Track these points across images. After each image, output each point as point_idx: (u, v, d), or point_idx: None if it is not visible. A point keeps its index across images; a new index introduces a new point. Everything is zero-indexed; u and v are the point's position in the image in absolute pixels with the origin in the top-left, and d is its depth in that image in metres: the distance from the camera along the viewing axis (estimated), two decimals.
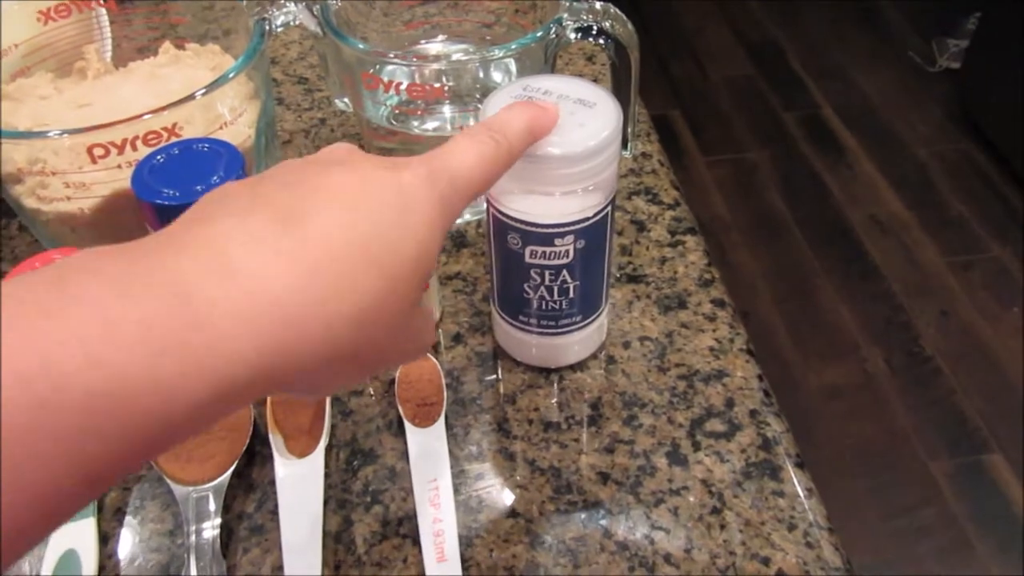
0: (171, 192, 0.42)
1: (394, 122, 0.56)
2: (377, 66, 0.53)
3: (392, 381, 0.47)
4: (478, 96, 0.57)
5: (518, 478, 0.43)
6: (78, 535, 0.40)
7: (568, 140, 0.38)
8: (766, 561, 0.40)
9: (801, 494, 0.42)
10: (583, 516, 0.42)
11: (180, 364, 0.21)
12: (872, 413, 1.51)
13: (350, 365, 0.26)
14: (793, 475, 0.43)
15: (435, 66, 0.52)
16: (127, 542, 0.41)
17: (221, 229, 0.24)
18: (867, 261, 1.78)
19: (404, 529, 0.41)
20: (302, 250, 0.24)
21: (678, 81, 2.28)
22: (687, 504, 0.42)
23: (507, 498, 0.42)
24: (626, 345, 0.49)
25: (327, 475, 0.43)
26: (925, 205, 1.89)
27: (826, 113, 2.16)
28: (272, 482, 0.43)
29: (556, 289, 0.44)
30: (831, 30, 2.44)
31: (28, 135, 0.47)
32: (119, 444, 0.20)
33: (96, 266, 0.22)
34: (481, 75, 0.56)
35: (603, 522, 0.41)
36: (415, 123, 0.56)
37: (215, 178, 0.42)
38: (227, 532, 0.41)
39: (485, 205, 0.53)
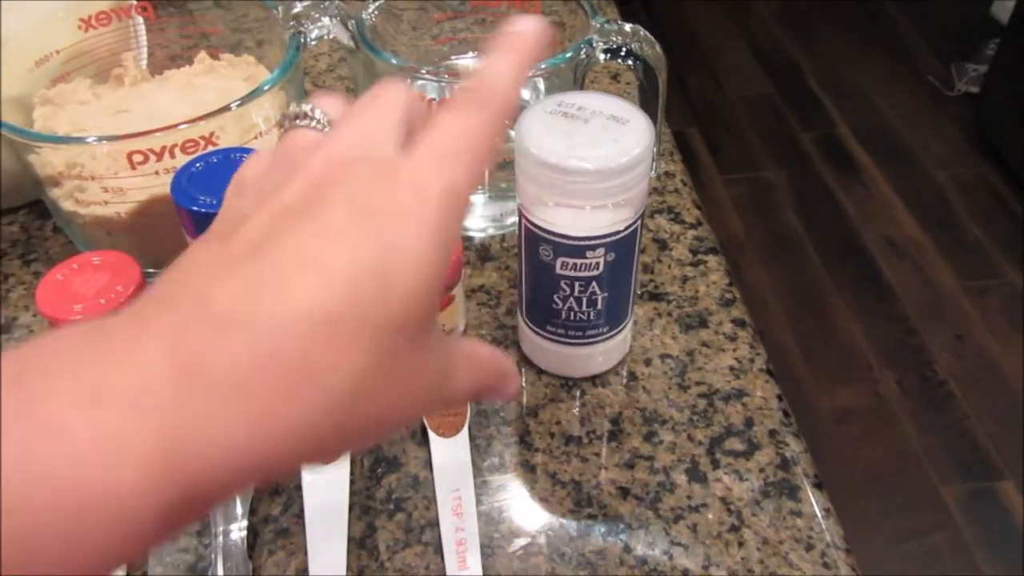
0: (208, 200, 0.43)
1: None
2: (409, 81, 0.54)
3: None
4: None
5: (539, 490, 0.44)
6: None
7: (602, 155, 0.39)
8: None
9: (819, 514, 0.43)
10: (603, 530, 0.42)
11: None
12: (884, 436, 1.51)
13: (353, 435, 0.23)
14: (811, 495, 0.43)
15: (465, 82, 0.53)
16: None
17: (182, 320, 0.22)
18: (882, 283, 1.78)
19: (427, 537, 0.42)
20: (264, 340, 0.21)
21: (695, 99, 2.29)
22: (706, 521, 0.42)
23: (528, 510, 0.43)
24: (647, 362, 0.50)
25: (351, 481, 0.44)
26: (941, 228, 1.89)
27: (843, 133, 2.17)
28: (297, 487, 0.44)
29: (585, 300, 0.44)
30: (850, 51, 2.44)
31: (70, 140, 0.49)
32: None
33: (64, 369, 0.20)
34: None
35: (623, 536, 0.42)
36: None
37: None
38: (252, 534, 0.42)
39: (514, 219, 0.54)
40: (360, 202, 0.24)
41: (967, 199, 1.96)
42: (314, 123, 0.28)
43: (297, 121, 0.28)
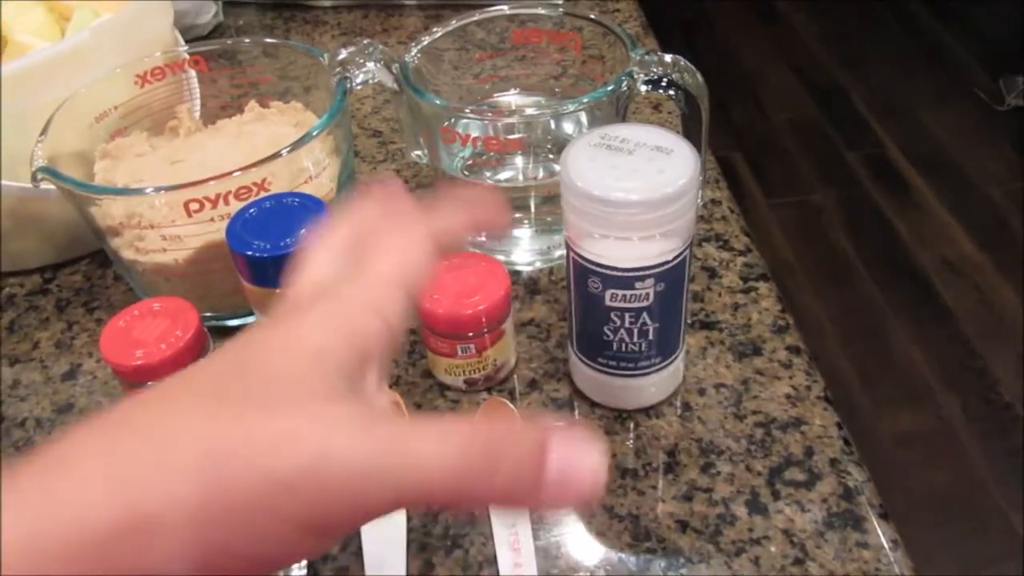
0: (262, 244, 0.44)
1: (467, 173, 0.58)
2: (453, 120, 0.55)
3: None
4: (548, 147, 0.58)
5: (596, 525, 0.44)
6: None
7: (647, 186, 0.39)
8: None
9: (886, 546, 0.41)
10: (663, 564, 0.42)
11: None
12: (948, 461, 1.46)
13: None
14: (877, 526, 0.42)
15: (510, 120, 0.53)
16: None
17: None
18: (939, 304, 1.73)
19: (485, 573, 0.42)
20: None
21: (739, 123, 2.27)
22: (768, 554, 0.41)
23: (586, 545, 0.43)
24: (701, 392, 0.49)
25: (408, 518, 0.44)
26: (999, 246, 1.84)
27: (892, 153, 2.14)
28: None
29: (636, 331, 0.44)
30: (894, 68, 2.42)
31: (128, 191, 0.50)
32: None
33: None
34: (552, 126, 0.57)
35: (683, 571, 0.41)
36: (487, 173, 0.58)
37: (302, 231, 0.44)
38: (312, 571, 0.42)
39: (561, 252, 0.54)
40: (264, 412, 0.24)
41: (1023, 214, 1.91)
42: None
43: None
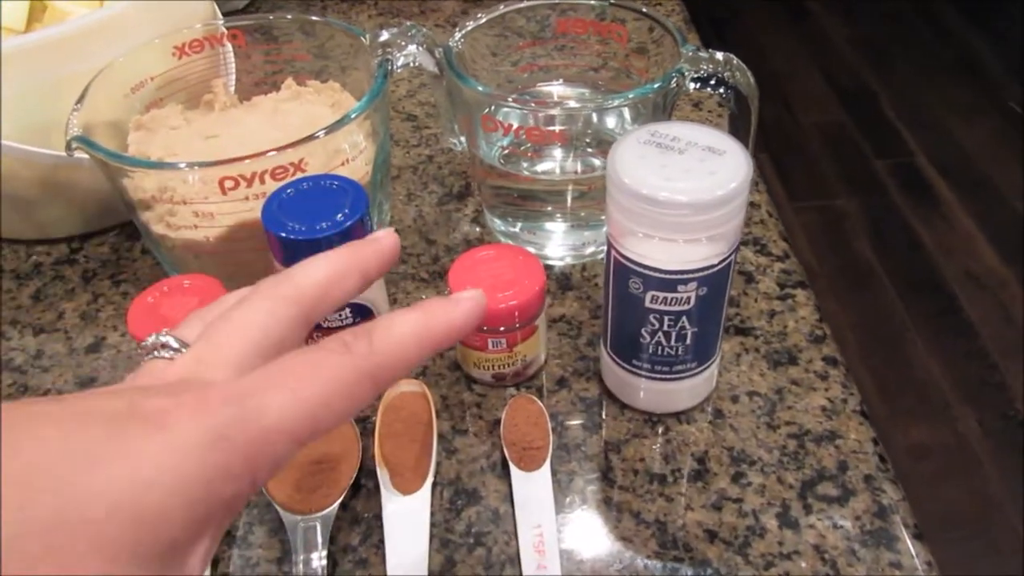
0: (297, 226, 0.43)
1: (503, 162, 0.57)
2: (494, 108, 0.54)
3: (497, 422, 0.47)
4: (588, 140, 0.57)
5: (623, 530, 0.43)
6: None
7: (697, 187, 0.38)
8: None
9: (919, 568, 0.40)
10: (690, 574, 0.41)
11: None
12: (963, 476, 1.45)
13: None
14: (911, 547, 0.41)
15: (553, 111, 0.52)
16: (237, 566, 0.42)
17: None
18: (961, 317, 1.71)
19: (508, 573, 0.41)
20: None
21: (765, 125, 2.25)
22: (799, 570, 0.41)
23: (612, 549, 0.42)
24: (734, 399, 0.48)
25: (431, 513, 0.43)
26: (1023, 261, 1.82)
27: (920, 162, 2.11)
28: (377, 516, 0.43)
29: (674, 335, 0.43)
30: (926, 77, 2.39)
31: (163, 165, 0.49)
32: None
33: None
34: (594, 120, 0.56)
35: None
36: (524, 164, 0.57)
37: (339, 216, 0.43)
38: (332, 563, 0.42)
39: (593, 248, 0.53)
40: (125, 411, 0.21)
41: None
42: (169, 353, 0.27)
43: (155, 352, 0.27)
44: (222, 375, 0.24)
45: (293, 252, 0.44)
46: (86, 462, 0.20)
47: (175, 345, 0.27)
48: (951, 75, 2.38)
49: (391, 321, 0.26)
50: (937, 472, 1.45)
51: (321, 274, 0.28)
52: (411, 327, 0.26)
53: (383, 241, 0.30)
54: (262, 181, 0.47)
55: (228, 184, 0.47)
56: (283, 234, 0.43)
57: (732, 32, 2.58)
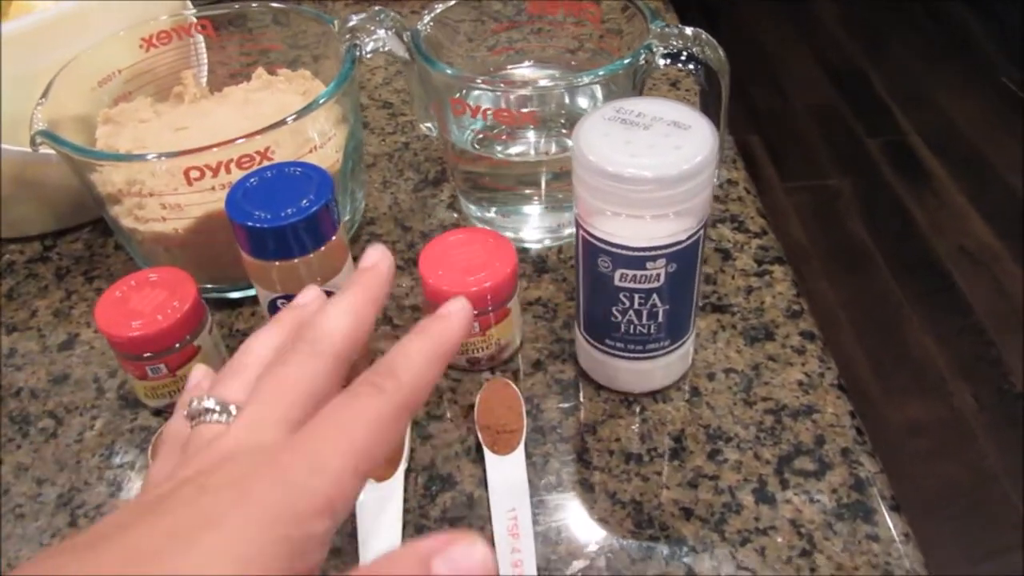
0: (262, 215, 0.43)
1: (477, 146, 0.57)
2: (464, 91, 0.53)
3: (471, 406, 0.47)
4: (562, 121, 0.56)
5: (598, 510, 0.42)
6: None
7: (663, 163, 0.38)
8: None
9: (897, 539, 0.40)
10: (665, 552, 0.40)
11: None
12: (959, 452, 1.45)
13: None
14: (888, 519, 0.41)
15: (523, 92, 0.52)
16: None
17: None
18: (955, 293, 1.71)
19: None
20: None
21: (757, 106, 2.24)
22: (775, 545, 0.40)
23: (587, 531, 0.42)
24: (711, 377, 0.48)
25: (404, 499, 0.43)
26: (1017, 235, 1.82)
27: (912, 140, 2.10)
28: None
29: (645, 313, 0.43)
30: (917, 54, 2.38)
31: (128, 157, 0.49)
32: None
33: None
34: (567, 100, 0.56)
35: (686, 560, 0.40)
36: (499, 147, 0.56)
37: (304, 202, 0.43)
38: None
39: (571, 230, 0.53)
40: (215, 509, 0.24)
41: None
42: (216, 417, 0.29)
43: (202, 418, 0.29)
44: (273, 436, 0.27)
45: (259, 241, 0.43)
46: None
47: (219, 409, 0.29)
48: (943, 52, 2.37)
49: (406, 353, 0.29)
50: (933, 448, 1.45)
51: (349, 322, 0.30)
52: (425, 354, 0.29)
53: (381, 266, 0.33)
54: (228, 171, 0.47)
55: (194, 175, 0.47)
56: (249, 223, 0.43)
57: (724, 14, 2.57)
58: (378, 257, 0.33)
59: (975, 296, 1.70)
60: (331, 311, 0.31)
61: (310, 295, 0.35)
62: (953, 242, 1.82)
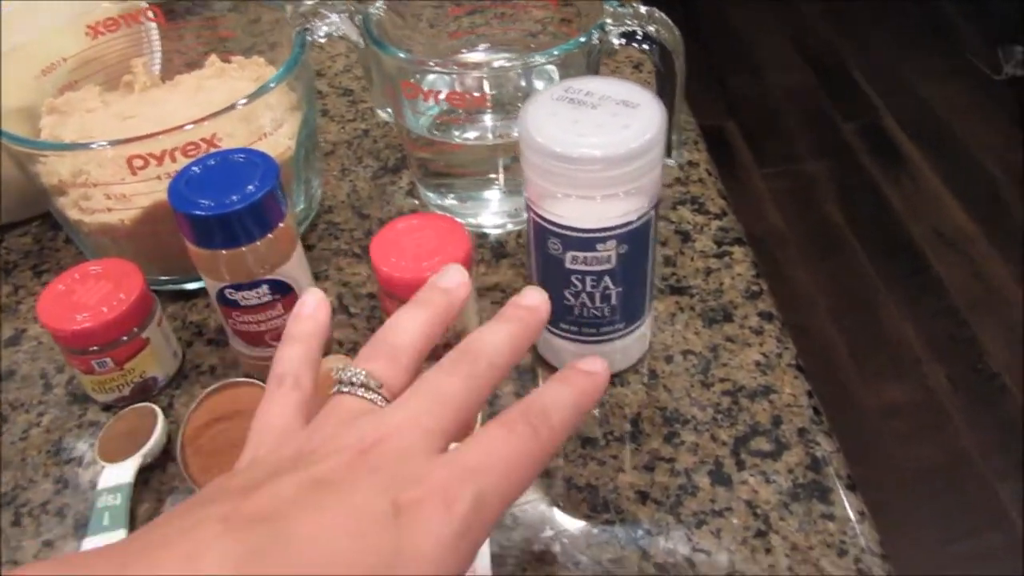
0: (206, 203, 0.42)
1: (436, 132, 0.56)
2: (418, 75, 0.53)
3: None
4: (519, 105, 0.56)
5: (554, 496, 0.42)
6: None
7: (610, 141, 0.37)
8: None
9: (852, 518, 0.40)
10: (621, 536, 0.40)
11: None
12: (934, 432, 1.45)
13: None
14: (844, 498, 0.41)
15: (476, 74, 0.51)
16: None
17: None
18: (930, 275, 1.72)
19: None
20: None
21: (734, 92, 2.24)
22: (730, 526, 0.40)
23: (542, 516, 0.41)
24: (668, 359, 0.48)
25: None
26: (991, 217, 1.82)
27: (887, 123, 2.11)
28: None
29: (598, 296, 0.42)
30: (892, 38, 2.38)
31: (68, 146, 0.48)
32: None
33: None
34: (523, 83, 0.55)
35: (642, 543, 0.40)
36: (456, 132, 0.56)
37: (250, 188, 0.42)
38: None
39: (526, 212, 0.52)
40: (386, 499, 0.25)
41: (1017, 186, 1.89)
42: (370, 396, 0.29)
43: (353, 389, 0.29)
44: (425, 445, 0.27)
45: (204, 229, 0.42)
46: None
47: (372, 385, 0.29)
48: (917, 36, 2.38)
49: (557, 401, 0.29)
50: (909, 429, 1.46)
51: (510, 354, 0.31)
52: (573, 409, 0.30)
53: (542, 310, 0.33)
54: (173, 159, 0.46)
55: (137, 163, 0.46)
56: (193, 212, 0.42)
57: (702, 1, 2.56)
58: (539, 301, 0.33)
59: (950, 278, 1.71)
60: (495, 336, 0.31)
61: (456, 278, 0.35)
62: (928, 225, 1.83)
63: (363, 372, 0.29)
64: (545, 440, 0.28)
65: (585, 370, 0.31)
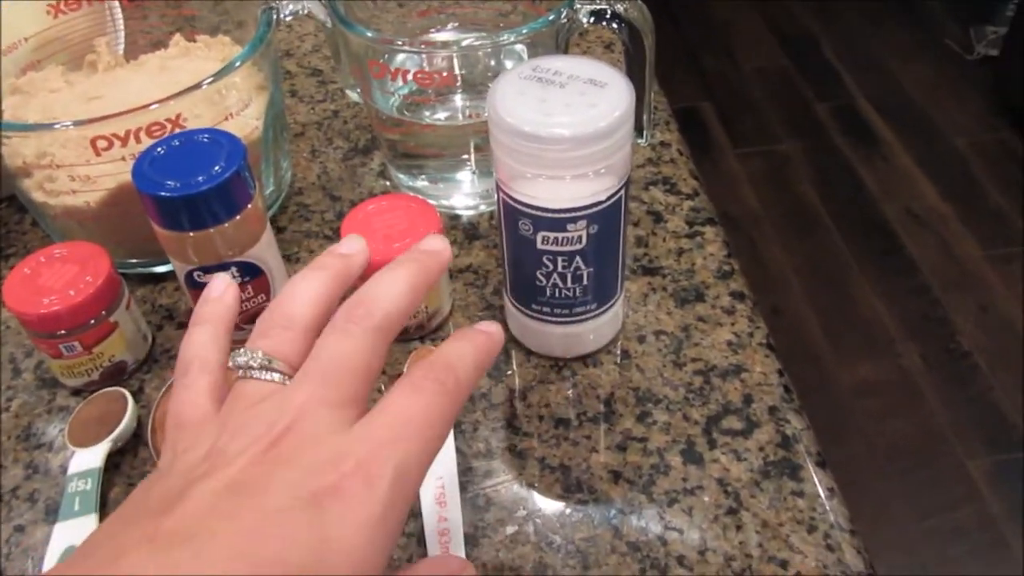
0: (173, 184, 0.41)
1: (405, 112, 0.55)
2: (386, 55, 0.52)
3: (398, 376, 0.46)
4: (489, 85, 0.55)
5: (527, 476, 0.42)
6: (79, 532, 0.40)
7: (579, 120, 0.37)
8: (784, 564, 0.38)
9: (822, 494, 0.40)
10: (594, 516, 0.40)
11: None
12: (907, 410, 1.47)
13: None
14: (814, 474, 0.41)
15: (444, 53, 0.51)
16: None
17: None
18: (903, 255, 1.73)
19: (409, 527, 0.40)
20: None
21: (709, 73, 2.24)
22: (702, 504, 0.40)
23: (515, 497, 0.41)
24: (641, 339, 0.48)
25: None
26: (963, 197, 1.84)
27: (861, 104, 2.12)
28: None
29: (570, 276, 0.42)
30: (865, 19, 2.39)
31: (30, 127, 0.47)
32: None
33: None
34: (493, 63, 0.54)
35: (614, 522, 0.40)
36: (426, 112, 0.55)
37: (216, 168, 0.41)
38: None
39: (496, 193, 0.51)
40: (303, 491, 0.24)
41: (989, 166, 1.91)
42: (270, 376, 0.28)
43: (252, 373, 0.28)
44: (330, 419, 0.26)
45: (170, 211, 0.42)
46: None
47: (270, 366, 0.28)
48: (889, 16, 2.39)
49: (460, 355, 0.29)
50: (883, 407, 1.48)
51: (408, 301, 0.30)
52: (474, 360, 0.29)
53: (444, 254, 0.33)
54: (138, 140, 0.45)
55: (101, 144, 0.45)
56: (158, 193, 0.41)
57: None
58: (442, 246, 0.33)
59: (922, 258, 1.73)
60: (391, 284, 0.30)
61: (355, 246, 0.34)
62: (901, 205, 1.84)
63: (259, 353, 0.29)
64: (453, 392, 0.27)
65: (483, 330, 0.31)
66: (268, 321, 0.30)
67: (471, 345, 0.30)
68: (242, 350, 0.29)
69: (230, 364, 0.29)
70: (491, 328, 0.31)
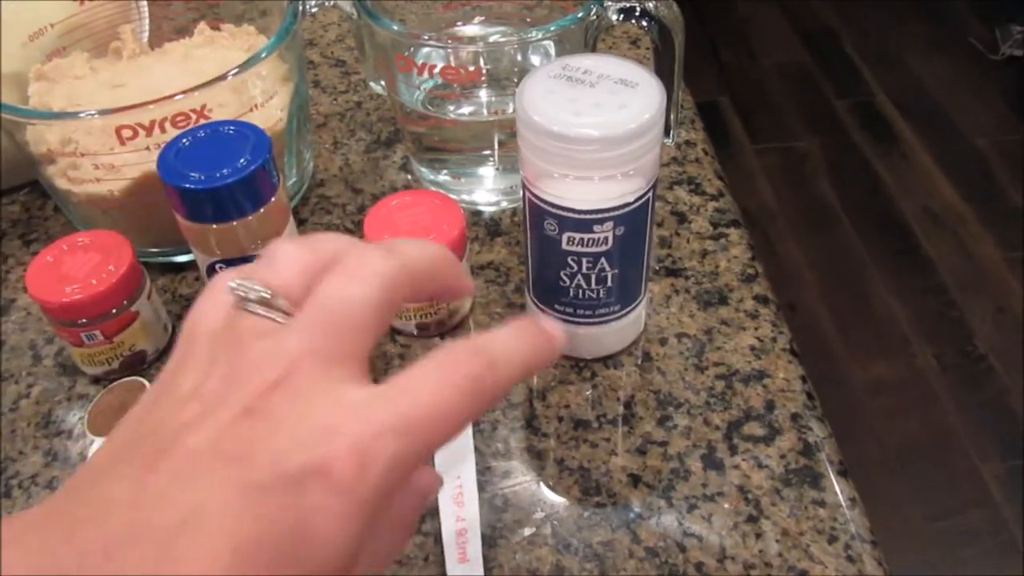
0: (197, 176, 0.41)
1: (429, 106, 0.55)
2: (412, 48, 0.52)
3: None
4: (516, 80, 0.55)
5: (546, 477, 0.42)
6: None
7: (609, 121, 0.37)
8: (804, 574, 0.38)
9: (843, 504, 0.40)
10: (612, 519, 0.40)
11: None
12: (920, 411, 1.47)
13: None
14: (835, 483, 0.41)
15: (471, 48, 0.50)
16: None
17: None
18: (920, 254, 1.72)
19: (426, 527, 0.40)
20: None
21: (728, 67, 2.23)
22: (722, 511, 0.40)
23: (534, 498, 0.41)
24: (663, 342, 0.47)
25: None
26: (983, 197, 1.83)
27: (881, 101, 2.10)
28: None
29: (594, 277, 0.42)
30: (888, 16, 2.36)
31: (55, 115, 0.47)
32: None
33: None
34: (519, 58, 0.54)
35: (633, 527, 0.40)
36: (451, 107, 0.55)
37: (242, 161, 0.41)
38: None
39: (521, 191, 0.51)
40: (291, 462, 0.21)
41: (1010, 167, 1.89)
42: (266, 313, 0.24)
43: (251, 306, 0.24)
44: (334, 379, 0.23)
45: (194, 203, 0.42)
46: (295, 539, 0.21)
47: (279, 304, 0.24)
48: (912, 13, 2.36)
49: (510, 353, 0.25)
50: (896, 406, 1.47)
51: (434, 265, 0.27)
52: (521, 359, 0.25)
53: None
54: (163, 129, 0.45)
55: (126, 134, 0.45)
56: (183, 185, 0.41)
57: None
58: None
59: (939, 257, 1.72)
60: (422, 244, 0.27)
61: (344, 240, 0.28)
62: (919, 203, 1.83)
63: (258, 284, 0.25)
64: (486, 394, 0.24)
65: (547, 331, 0.27)
66: (264, 258, 0.26)
67: (528, 346, 0.26)
68: (242, 279, 0.25)
69: (227, 287, 0.25)
70: (556, 331, 0.27)
